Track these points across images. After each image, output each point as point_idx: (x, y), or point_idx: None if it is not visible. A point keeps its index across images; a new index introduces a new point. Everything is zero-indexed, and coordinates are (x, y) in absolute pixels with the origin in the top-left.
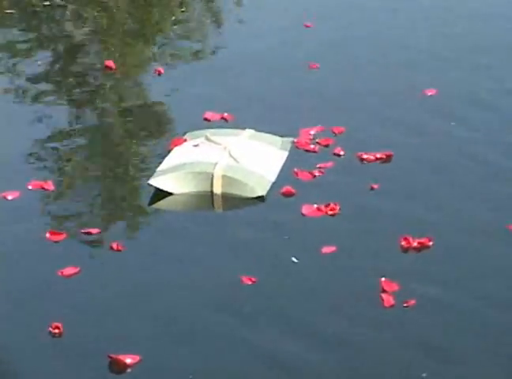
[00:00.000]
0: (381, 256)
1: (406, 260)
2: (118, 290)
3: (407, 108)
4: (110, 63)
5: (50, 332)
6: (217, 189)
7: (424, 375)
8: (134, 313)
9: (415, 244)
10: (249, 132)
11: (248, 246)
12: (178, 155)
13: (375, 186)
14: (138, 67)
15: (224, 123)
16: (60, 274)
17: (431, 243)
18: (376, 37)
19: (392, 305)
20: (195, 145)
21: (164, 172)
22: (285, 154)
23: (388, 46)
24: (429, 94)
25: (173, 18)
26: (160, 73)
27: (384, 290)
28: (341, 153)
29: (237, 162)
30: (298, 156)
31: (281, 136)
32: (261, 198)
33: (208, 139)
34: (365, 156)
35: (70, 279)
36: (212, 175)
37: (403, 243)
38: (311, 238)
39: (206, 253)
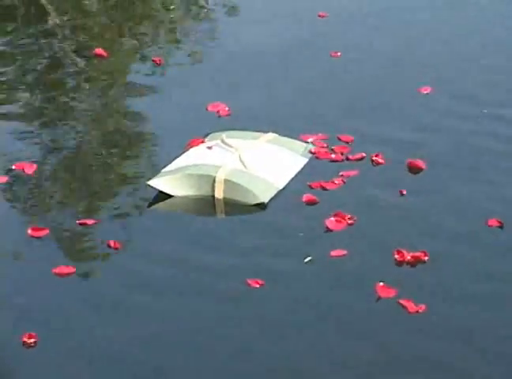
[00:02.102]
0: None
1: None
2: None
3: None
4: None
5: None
6: (219, 194)
7: None
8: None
9: (408, 257)
10: (270, 135)
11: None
12: (188, 156)
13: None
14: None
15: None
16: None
17: (426, 258)
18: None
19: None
20: (209, 147)
21: (166, 173)
22: (304, 161)
23: None
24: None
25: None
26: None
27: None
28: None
29: (245, 166)
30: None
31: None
32: (262, 205)
33: (223, 141)
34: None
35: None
36: (214, 179)
37: (397, 256)
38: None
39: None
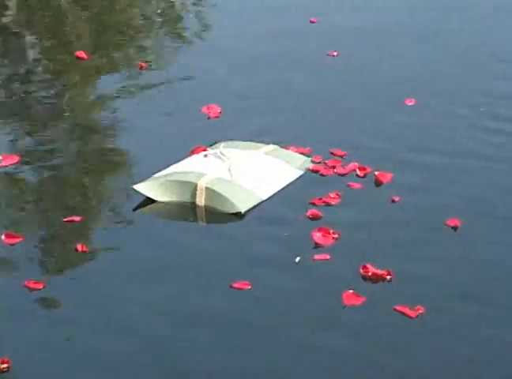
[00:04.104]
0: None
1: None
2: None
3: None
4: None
5: None
6: (200, 201)
7: None
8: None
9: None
10: (271, 147)
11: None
12: (183, 163)
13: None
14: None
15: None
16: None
17: (388, 277)
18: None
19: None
20: (205, 155)
21: (153, 179)
22: (299, 173)
23: None
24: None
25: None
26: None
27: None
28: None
29: (231, 176)
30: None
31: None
32: (239, 214)
33: (220, 151)
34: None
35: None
36: (196, 186)
37: (362, 271)
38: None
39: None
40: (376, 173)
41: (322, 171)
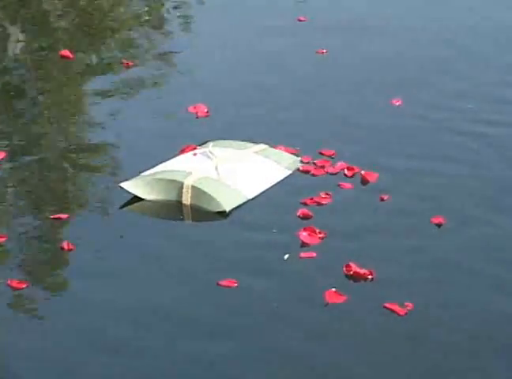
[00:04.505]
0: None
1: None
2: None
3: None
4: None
5: None
6: (186, 200)
7: None
8: None
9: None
10: (261, 146)
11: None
12: (170, 162)
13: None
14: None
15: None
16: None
17: (370, 277)
18: None
19: None
20: (194, 154)
21: (140, 176)
22: (287, 173)
23: None
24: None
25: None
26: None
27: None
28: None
29: (218, 174)
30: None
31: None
32: (223, 214)
33: (209, 149)
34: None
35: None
36: (182, 185)
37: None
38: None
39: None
40: (362, 172)
41: (313, 171)
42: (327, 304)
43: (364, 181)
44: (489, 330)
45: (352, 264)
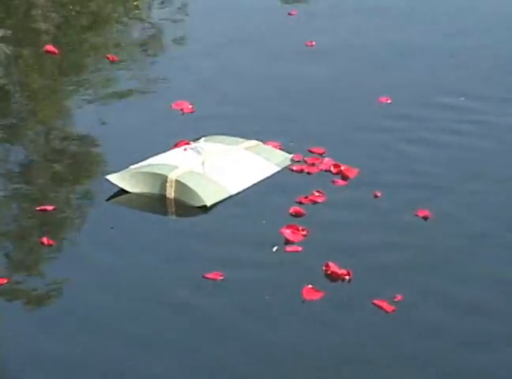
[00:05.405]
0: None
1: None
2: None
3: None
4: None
5: None
6: (169, 194)
7: None
8: None
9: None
10: (252, 142)
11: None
12: (159, 156)
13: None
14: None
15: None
16: None
17: (347, 277)
18: None
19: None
20: (185, 149)
21: (127, 169)
22: (275, 169)
23: None
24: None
25: None
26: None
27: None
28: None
29: (203, 169)
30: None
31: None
32: (204, 208)
33: (200, 145)
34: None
35: None
36: (166, 179)
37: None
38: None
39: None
40: (342, 168)
41: (304, 168)
42: (304, 301)
43: (344, 177)
44: None
45: (330, 264)
